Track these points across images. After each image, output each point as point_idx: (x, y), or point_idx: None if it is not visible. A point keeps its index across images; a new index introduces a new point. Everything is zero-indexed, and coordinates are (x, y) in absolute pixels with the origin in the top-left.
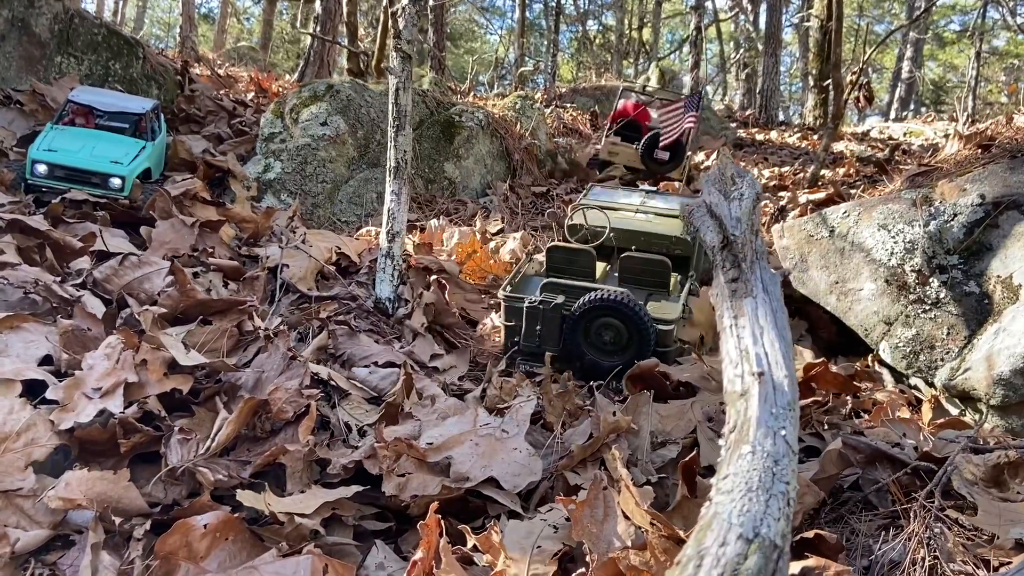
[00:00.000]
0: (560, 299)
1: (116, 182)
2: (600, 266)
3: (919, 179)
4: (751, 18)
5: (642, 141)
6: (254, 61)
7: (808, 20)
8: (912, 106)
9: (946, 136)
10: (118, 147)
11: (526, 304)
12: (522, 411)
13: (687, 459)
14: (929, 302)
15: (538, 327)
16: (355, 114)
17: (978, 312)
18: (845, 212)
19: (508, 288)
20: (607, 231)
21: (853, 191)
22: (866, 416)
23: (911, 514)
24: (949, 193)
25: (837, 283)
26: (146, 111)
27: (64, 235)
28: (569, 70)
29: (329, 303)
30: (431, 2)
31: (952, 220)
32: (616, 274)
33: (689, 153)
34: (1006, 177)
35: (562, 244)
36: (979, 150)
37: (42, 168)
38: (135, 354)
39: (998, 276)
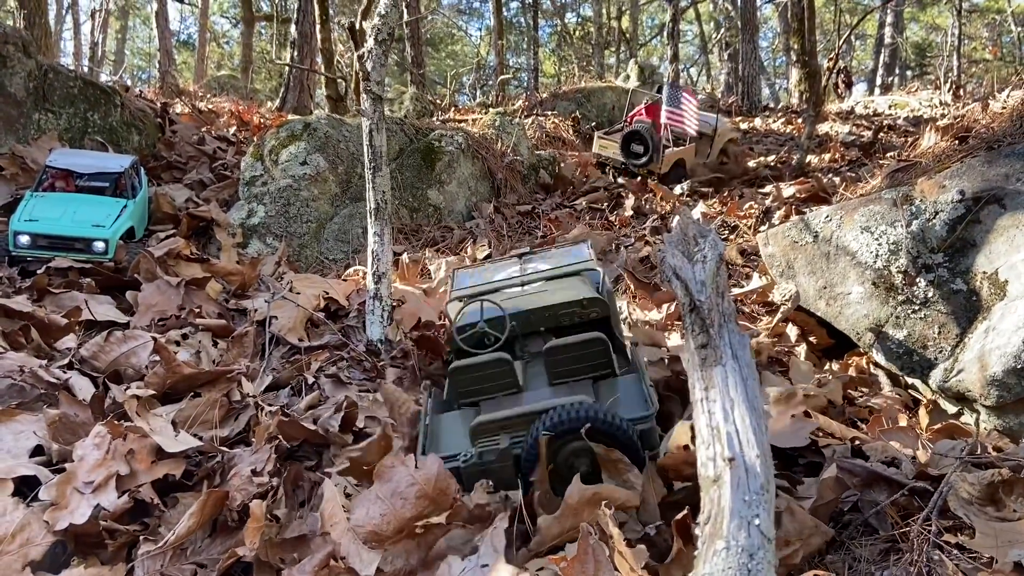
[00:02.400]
0: (505, 441)
1: (100, 246)
2: (516, 367)
3: (899, 175)
4: None
5: (621, 136)
6: (235, 89)
7: None
8: (897, 71)
9: (931, 106)
10: (99, 209)
11: (462, 464)
12: (497, 533)
13: (681, 516)
14: (918, 302)
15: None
16: (334, 150)
17: (967, 309)
18: (827, 216)
19: (422, 448)
20: (507, 322)
21: (837, 178)
22: (863, 426)
23: (910, 538)
24: (929, 190)
25: (825, 288)
26: (125, 168)
27: (48, 313)
28: (552, 65)
29: (320, 352)
30: (405, 19)
31: (934, 218)
32: (540, 371)
33: (669, 148)
34: (984, 171)
35: (466, 363)
36: (956, 142)
37: (24, 239)
38: (123, 443)
39: (984, 272)
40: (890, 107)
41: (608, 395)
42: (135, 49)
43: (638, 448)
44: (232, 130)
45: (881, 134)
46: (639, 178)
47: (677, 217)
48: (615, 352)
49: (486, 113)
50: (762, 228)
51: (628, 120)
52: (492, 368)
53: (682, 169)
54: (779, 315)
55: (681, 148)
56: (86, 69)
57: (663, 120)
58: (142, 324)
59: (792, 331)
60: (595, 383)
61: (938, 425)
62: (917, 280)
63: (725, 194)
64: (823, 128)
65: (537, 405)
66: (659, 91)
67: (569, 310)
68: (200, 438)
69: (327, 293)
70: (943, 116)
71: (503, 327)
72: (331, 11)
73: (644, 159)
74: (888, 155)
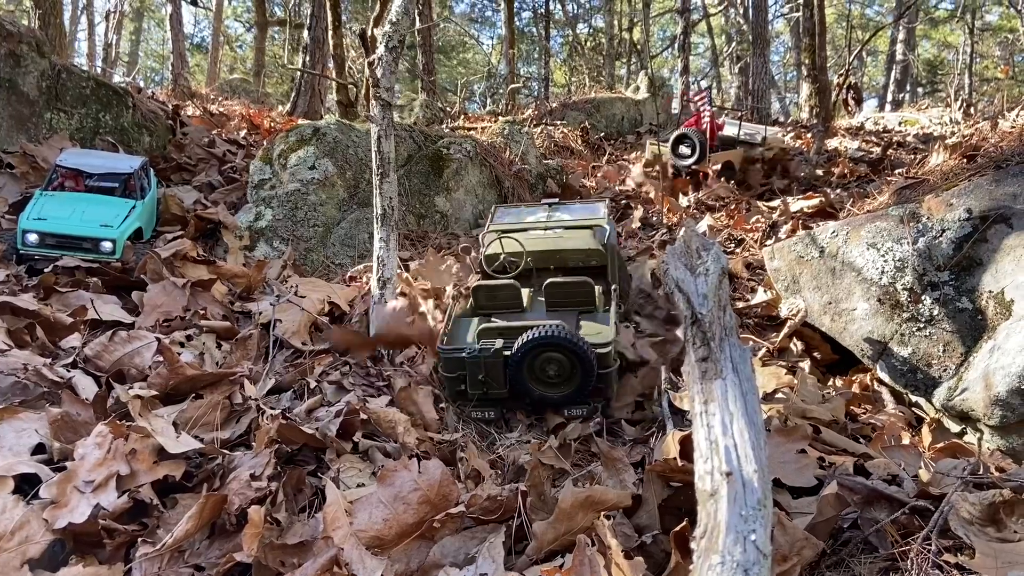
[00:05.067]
0: (499, 343)
1: (107, 245)
2: (524, 292)
3: (906, 192)
4: (741, 10)
5: (670, 139)
6: (247, 93)
7: (797, 10)
8: (908, 87)
9: (941, 124)
10: (108, 209)
11: (466, 355)
12: (494, 545)
13: (679, 528)
14: (923, 320)
15: (482, 376)
16: (343, 155)
17: (972, 328)
18: (834, 232)
19: (444, 339)
20: (524, 257)
21: (845, 194)
22: (866, 443)
23: (910, 557)
24: (936, 208)
25: (830, 304)
26: (134, 169)
27: (54, 312)
28: (562, 75)
29: (323, 357)
30: (416, 26)
31: (940, 236)
32: (542, 299)
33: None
34: (992, 190)
35: (486, 283)
36: (965, 160)
37: (33, 237)
38: (125, 443)
39: (990, 291)
40: (900, 124)
41: (588, 325)
42: (149, 51)
43: (593, 364)
44: (242, 133)
45: (890, 151)
46: (687, 177)
47: (682, 229)
48: (604, 294)
49: (495, 121)
50: (768, 242)
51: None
52: (504, 290)
53: (731, 170)
54: (786, 330)
55: (729, 151)
56: (99, 70)
57: (706, 118)
58: (147, 324)
59: (796, 346)
60: (580, 314)
61: (941, 444)
62: (923, 298)
63: (732, 207)
64: (832, 143)
65: (527, 323)
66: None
67: (575, 256)
68: (201, 440)
69: (330, 298)
70: (953, 134)
71: (520, 261)
72: (344, 17)
73: (692, 159)
74: (896, 172)
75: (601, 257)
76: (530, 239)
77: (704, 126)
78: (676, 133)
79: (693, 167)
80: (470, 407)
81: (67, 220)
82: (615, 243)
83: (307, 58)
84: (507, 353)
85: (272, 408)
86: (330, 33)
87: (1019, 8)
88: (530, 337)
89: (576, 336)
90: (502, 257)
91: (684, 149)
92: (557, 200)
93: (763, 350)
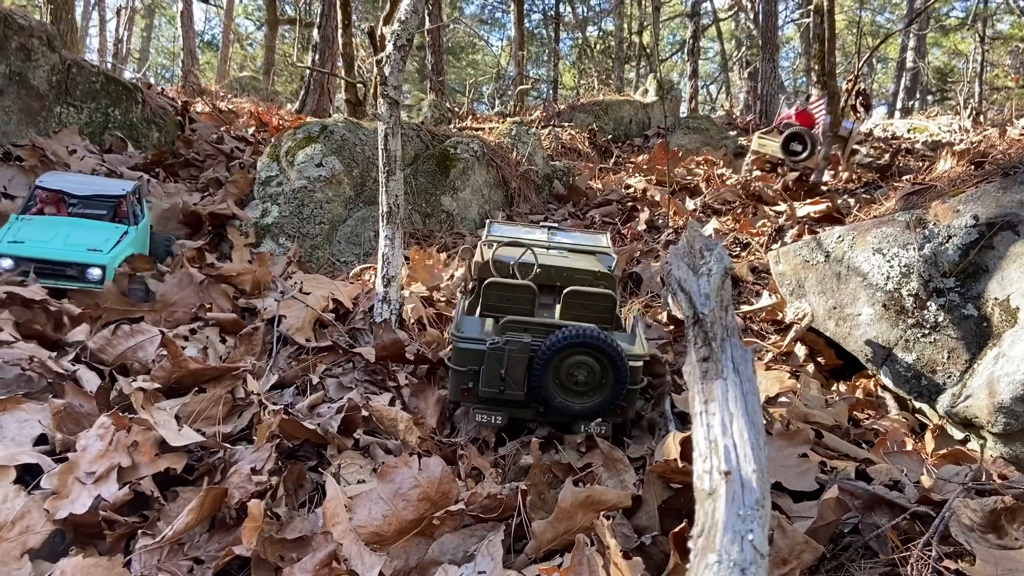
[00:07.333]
0: (528, 338)
1: (96, 272)
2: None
3: (913, 198)
4: (751, 16)
5: (782, 136)
6: (256, 91)
7: (808, 16)
8: (917, 95)
9: (950, 131)
10: (96, 233)
11: (488, 346)
12: (493, 543)
13: (678, 529)
14: (928, 326)
15: (502, 371)
16: (350, 153)
17: (977, 335)
18: (840, 236)
19: (457, 330)
20: (535, 267)
21: (852, 199)
22: (868, 448)
23: (910, 563)
24: (943, 215)
25: (835, 308)
26: (126, 192)
27: (62, 303)
28: (571, 77)
29: (327, 354)
30: (426, 26)
31: (947, 242)
32: (554, 308)
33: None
34: (999, 197)
35: (501, 280)
36: (972, 167)
37: (7, 263)
38: (127, 435)
39: (995, 299)
40: (909, 131)
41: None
42: (160, 48)
43: (628, 376)
44: (251, 130)
45: (898, 157)
46: (798, 173)
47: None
48: (618, 320)
49: (503, 122)
50: (774, 246)
51: (778, 123)
52: (519, 291)
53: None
54: (791, 334)
55: None
56: (109, 65)
57: (820, 120)
58: (152, 318)
59: (800, 351)
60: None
61: (944, 450)
62: (928, 304)
63: (739, 211)
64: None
65: (558, 321)
66: (807, 99)
67: (584, 277)
68: (203, 433)
69: (334, 295)
70: (961, 141)
71: (530, 271)
72: (354, 16)
73: (803, 156)
74: (904, 178)
75: (610, 282)
76: (537, 253)
77: (792, 123)
78: (788, 132)
79: (804, 163)
80: (473, 409)
81: (48, 244)
82: (618, 274)
83: (316, 56)
84: (534, 351)
85: (274, 403)
86: (340, 32)
87: None
88: (566, 334)
89: (616, 343)
90: (512, 264)
91: (796, 146)
92: (558, 224)
93: (769, 355)
